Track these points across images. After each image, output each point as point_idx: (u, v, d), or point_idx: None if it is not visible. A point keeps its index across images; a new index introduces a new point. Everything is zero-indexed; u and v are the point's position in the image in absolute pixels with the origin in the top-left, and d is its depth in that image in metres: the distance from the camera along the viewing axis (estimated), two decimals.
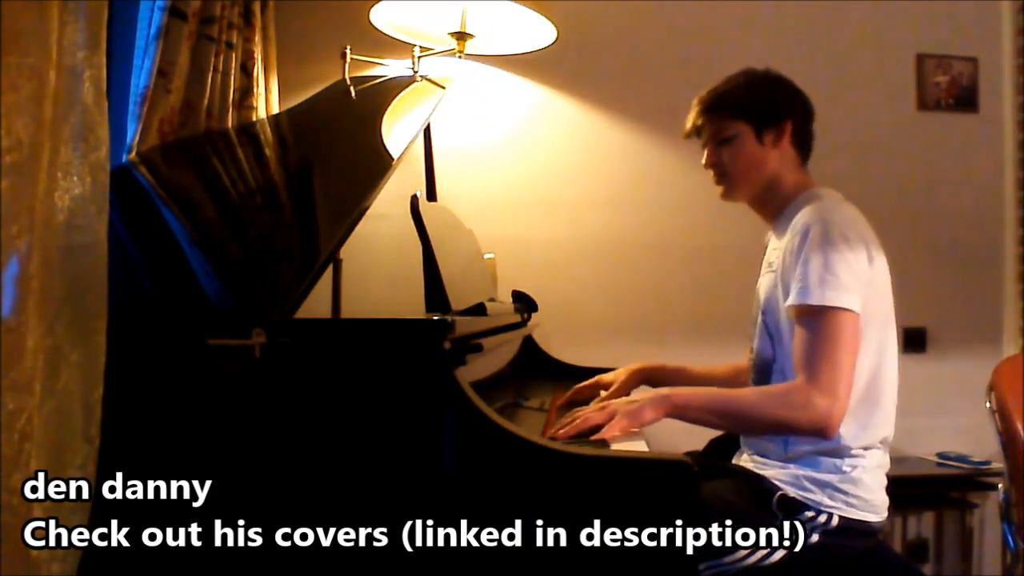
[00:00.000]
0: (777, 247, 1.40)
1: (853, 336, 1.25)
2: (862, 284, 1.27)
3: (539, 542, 0.99)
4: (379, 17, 2.02)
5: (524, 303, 2.00)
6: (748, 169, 1.43)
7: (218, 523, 1.00)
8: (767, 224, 1.50)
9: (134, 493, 1.03)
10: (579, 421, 1.25)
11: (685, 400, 1.27)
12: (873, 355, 1.32)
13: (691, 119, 1.48)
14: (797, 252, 1.29)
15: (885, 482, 1.35)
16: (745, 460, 1.41)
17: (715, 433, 1.59)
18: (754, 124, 1.42)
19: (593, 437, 1.22)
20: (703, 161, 1.48)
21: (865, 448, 1.31)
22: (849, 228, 1.31)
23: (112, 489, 0.99)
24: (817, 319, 1.25)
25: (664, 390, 1.29)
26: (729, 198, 1.48)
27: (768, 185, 1.44)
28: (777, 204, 1.45)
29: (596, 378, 1.73)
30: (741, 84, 1.45)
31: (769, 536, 1.23)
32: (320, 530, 1.00)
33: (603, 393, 1.68)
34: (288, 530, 1.00)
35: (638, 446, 1.22)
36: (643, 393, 1.30)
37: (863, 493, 1.29)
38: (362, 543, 1.00)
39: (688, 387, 1.32)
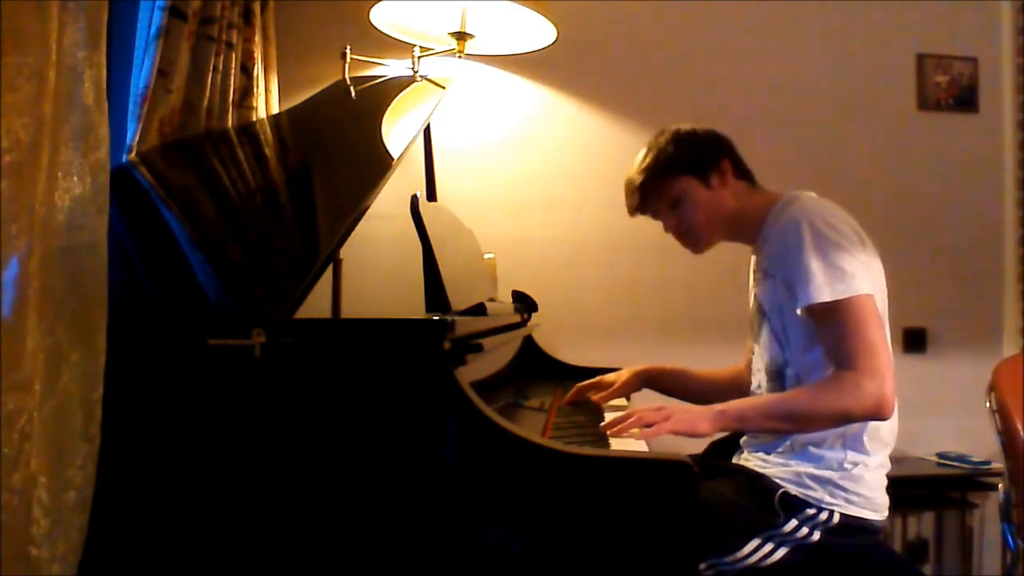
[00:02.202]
0: (767, 254, 1.41)
1: (875, 315, 1.27)
2: (864, 269, 1.28)
3: (539, 542, 0.99)
4: (379, 17, 2.02)
5: (524, 303, 2.00)
6: (709, 216, 1.46)
7: (218, 523, 1.00)
8: (751, 247, 1.51)
9: (134, 493, 1.03)
10: (633, 419, 1.26)
11: (740, 412, 1.29)
12: None
13: (633, 197, 1.49)
14: (794, 252, 1.29)
15: (886, 482, 1.36)
16: (746, 459, 1.41)
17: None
18: (697, 174, 1.45)
19: (646, 432, 1.24)
20: (664, 228, 1.51)
21: (868, 441, 1.32)
22: (834, 218, 1.32)
23: (112, 490, 0.99)
24: (837, 314, 1.26)
25: (718, 406, 1.30)
26: (702, 250, 1.51)
27: (734, 221, 1.47)
28: (753, 227, 1.46)
29: (598, 378, 1.73)
30: (665, 145, 1.47)
31: (770, 535, 1.24)
32: (320, 529, 1.00)
33: (602, 393, 1.68)
34: (288, 529, 1.00)
35: (638, 447, 1.22)
36: (696, 407, 1.31)
37: (864, 490, 1.30)
38: (362, 543, 1.00)
39: (735, 400, 1.33)
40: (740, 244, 1.52)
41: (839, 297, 1.25)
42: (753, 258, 1.51)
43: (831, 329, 1.27)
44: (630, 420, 1.26)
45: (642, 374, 1.71)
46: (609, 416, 1.35)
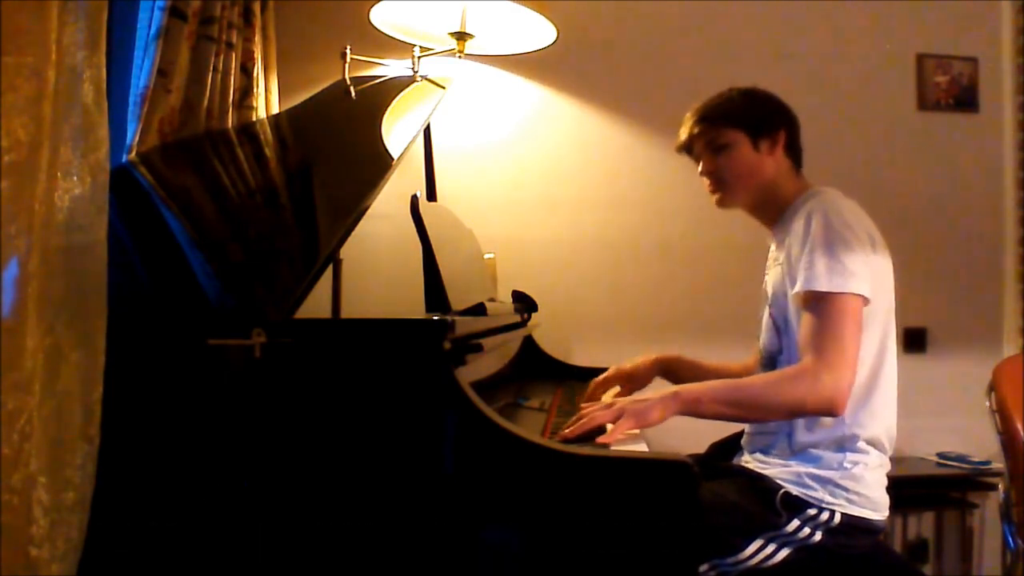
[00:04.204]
0: (784, 242, 1.41)
1: (857, 317, 1.27)
2: (868, 271, 1.29)
3: (539, 542, 0.99)
4: (379, 17, 2.02)
5: (524, 303, 2.00)
6: (745, 175, 1.46)
7: (218, 523, 1.00)
8: (768, 230, 1.51)
9: (134, 493, 1.03)
10: (585, 420, 1.25)
11: (694, 396, 1.27)
12: (876, 347, 1.34)
13: (686, 130, 1.51)
14: (803, 242, 1.31)
15: (886, 482, 1.36)
16: (747, 460, 1.41)
17: (715, 436, 1.59)
18: (749, 132, 1.45)
19: (598, 440, 1.21)
20: (699, 170, 1.51)
21: (867, 442, 1.32)
22: (852, 218, 1.34)
23: (112, 490, 0.99)
24: (824, 304, 1.27)
25: (671, 388, 1.29)
26: (726, 205, 1.50)
27: (765, 192, 1.47)
28: (777, 209, 1.47)
29: (616, 368, 1.71)
30: (735, 95, 1.49)
31: (772, 536, 1.23)
32: (320, 529, 1.00)
33: (618, 389, 1.67)
34: (288, 529, 1.00)
35: (639, 447, 1.22)
36: (650, 392, 1.30)
37: (864, 490, 1.30)
38: (362, 543, 1.00)
39: (694, 383, 1.32)
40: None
41: (833, 290, 1.26)
42: (771, 246, 1.51)
43: (812, 317, 1.28)
44: (582, 422, 1.24)
45: (658, 363, 1.70)
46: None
